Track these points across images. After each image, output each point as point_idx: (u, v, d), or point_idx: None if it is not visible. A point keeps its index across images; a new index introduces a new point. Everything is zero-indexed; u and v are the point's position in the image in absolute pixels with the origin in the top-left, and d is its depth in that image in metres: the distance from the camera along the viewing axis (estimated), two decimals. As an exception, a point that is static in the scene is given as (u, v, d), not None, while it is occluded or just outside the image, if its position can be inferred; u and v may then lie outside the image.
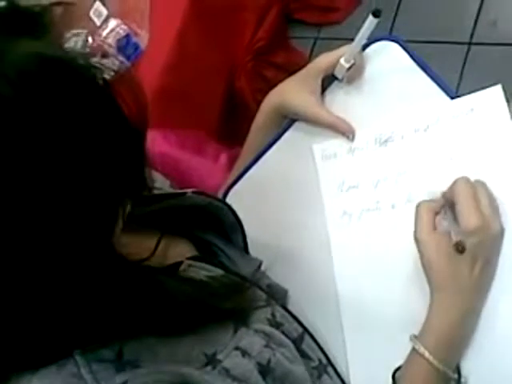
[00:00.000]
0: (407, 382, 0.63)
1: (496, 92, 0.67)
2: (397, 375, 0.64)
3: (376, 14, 0.68)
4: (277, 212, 0.79)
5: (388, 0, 1.80)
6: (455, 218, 0.63)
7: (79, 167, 0.44)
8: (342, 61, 0.73)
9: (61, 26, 0.49)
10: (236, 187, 0.82)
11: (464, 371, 0.63)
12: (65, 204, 0.44)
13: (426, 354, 0.61)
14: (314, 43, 1.85)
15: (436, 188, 0.68)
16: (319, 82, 0.75)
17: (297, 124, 0.78)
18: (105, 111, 0.46)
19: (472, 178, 0.65)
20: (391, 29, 1.73)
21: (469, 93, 0.69)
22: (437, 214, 0.65)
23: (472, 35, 1.66)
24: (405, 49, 0.74)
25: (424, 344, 0.61)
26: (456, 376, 0.62)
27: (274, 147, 0.80)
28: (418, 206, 0.65)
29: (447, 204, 0.65)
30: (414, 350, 0.62)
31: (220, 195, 0.83)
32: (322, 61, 0.75)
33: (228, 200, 0.81)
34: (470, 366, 0.63)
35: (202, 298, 0.56)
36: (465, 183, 0.63)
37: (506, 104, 0.67)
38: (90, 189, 0.45)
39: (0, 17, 0.46)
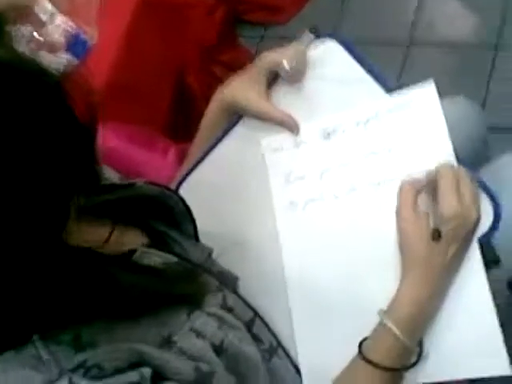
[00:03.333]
0: (372, 353, 0.64)
1: (429, 86, 0.72)
2: (363, 346, 0.66)
3: (312, 31, 0.71)
4: (227, 204, 0.81)
5: (332, 1, 1.86)
6: (435, 200, 0.65)
7: (31, 164, 0.45)
8: (284, 62, 0.75)
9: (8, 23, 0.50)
10: (187, 181, 0.83)
11: (426, 345, 0.66)
12: (17, 199, 0.45)
13: (393, 329, 0.63)
14: (261, 41, 1.87)
15: (378, 178, 0.72)
16: (265, 78, 0.77)
17: (245, 119, 0.80)
18: (55, 110, 0.48)
19: (409, 170, 0.69)
20: (335, 29, 1.77)
21: (406, 88, 0.73)
22: (418, 192, 0.67)
23: (410, 37, 1.74)
24: (345, 46, 0.76)
25: (392, 319, 0.64)
26: (418, 349, 0.65)
27: (224, 141, 0.81)
28: (402, 183, 0.68)
29: (429, 185, 0.66)
30: (381, 324, 0.65)
31: (172, 188, 0.84)
32: (266, 59, 0.77)
33: (180, 193, 0.81)
34: (432, 340, 0.66)
35: (156, 284, 0.58)
36: (449, 168, 0.65)
37: (438, 98, 0.71)
38: (41, 184, 0.46)
39: None
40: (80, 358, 0.51)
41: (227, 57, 1.63)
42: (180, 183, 0.84)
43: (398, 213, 0.67)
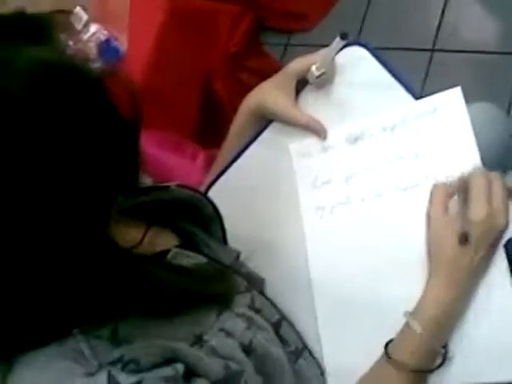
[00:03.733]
0: (398, 354, 0.65)
1: (456, 93, 0.73)
2: (389, 347, 0.67)
3: (343, 37, 0.72)
4: (255, 207, 0.82)
5: (355, 8, 1.86)
6: (466, 204, 0.66)
7: (79, 163, 0.47)
8: (313, 68, 0.76)
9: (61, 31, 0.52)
10: (216, 185, 0.85)
11: (451, 347, 0.66)
12: (65, 198, 0.47)
13: (419, 330, 0.64)
14: (285, 49, 1.89)
15: (404, 184, 0.72)
16: (293, 85, 0.79)
17: (273, 124, 0.81)
18: (102, 111, 0.50)
19: (435, 175, 0.70)
20: (359, 35, 1.78)
21: (432, 94, 0.74)
22: (450, 196, 0.68)
23: (434, 43, 1.74)
24: (373, 53, 0.78)
25: (417, 320, 0.64)
26: (443, 351, 0.65)
27: (252, 146, 0.83)
28: (434, 186, 0.69)
29: (461, 189, 0.67)
30: (407, 325, 0.66)
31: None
32: (295, 66, 0.79)
33: (209, 196, 0.82)
34: (458, 343, 0.66)
35: (188, 284, 0.60)
36: (481, 173, 0.66)
37: (464, 104, 0.72)
38: (89, 183, 0.48)
39: (8, 25, 0.49)
40: (117, 353, 0.53)
41: (253, 63, 1.64)
42: (209, 186, 0.85)
43: (429, 213, 0.68)
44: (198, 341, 0.59)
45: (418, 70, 1.68)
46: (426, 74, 1.69)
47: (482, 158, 0.70)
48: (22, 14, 0.51)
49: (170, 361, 0.55)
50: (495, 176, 0.67)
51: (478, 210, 0.64)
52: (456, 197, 0.68)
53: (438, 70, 1.68)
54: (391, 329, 0.68)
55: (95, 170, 0.49)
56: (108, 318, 0.54)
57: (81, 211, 0.49)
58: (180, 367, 0.55)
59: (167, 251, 0.64)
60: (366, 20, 1.83)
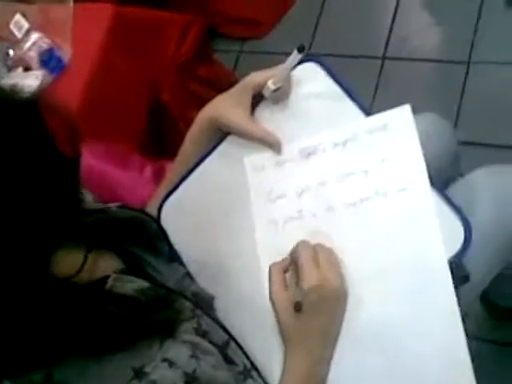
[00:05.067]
0: None
1: (406, 110, 0.74)
2: None
3: (300, 50, 0.73)
4: (210, 222, 0.81)
5: (308, 15, 1.88)
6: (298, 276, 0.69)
7: (11, 195, 0.45)
8: (269, 83, 0.77)
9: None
10: (172, 198, 0.83)
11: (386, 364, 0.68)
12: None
13: None
14: (238, 56, 1.88)
15: (354, 199, 0.73)
16: (250, 98, 0.79)
17: (230, 137, 0.81)
18: (36, 143, 0.48)
19: (384, 191, 0.71)
20: (311, 42, 1.80)
21: (382, 110, 0.75)
22: (286, 272, 0.71)
23: (385, 51, 1.77)
24: (327, 70, 0.79)
25: None
26: None
27: (209, 159, 0.82)
28: (269, 267, 0.72)
29: (293, 261, 0.71)
30: None
31: (151, 206, 0.84)
32: (252, 80, 0.79)
33: (164, 210, 0.82)
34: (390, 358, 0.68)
35: (130, 316, 0.57)
36: (304, 246, 0.71)
37: (413, 121, 0.73)
38: (26, 215, 0.46)
39: None
40: None
41: (203, 72, 1.63)
42: (163, 201, 0.84)
43: (270, 295, 0.71)
44: (138, 375, 0.56)
45: (369, 78, 1.71)
46: (378, 82, 1.71)
47: (430, 169, 0.72)
48: None
49: None
50: (319, 246, 0.71)
51: (306, 278, 0.68)
52: (291, 270, 0.72)
53: (388, 78, 1.71)
54: None
55: (29, 201, 0.46)
56: (41, 362, 0.51)
57: (18, 245, 0.46)
58: None
59: (107, 277, 0.61)
60: (318, 27, 1.85)
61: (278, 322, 0.70)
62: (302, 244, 0.71)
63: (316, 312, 0.68)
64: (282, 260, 0.72)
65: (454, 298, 0.67)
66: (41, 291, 0.49)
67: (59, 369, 0.51)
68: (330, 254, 0.71)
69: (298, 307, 0.67)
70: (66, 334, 0.51)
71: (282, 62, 0.78)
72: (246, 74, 0.81)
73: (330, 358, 0.70)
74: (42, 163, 0.47)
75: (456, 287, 0.68)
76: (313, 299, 0.67)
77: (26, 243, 0.46)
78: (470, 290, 0.79)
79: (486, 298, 1.16)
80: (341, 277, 0.70)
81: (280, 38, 1.84)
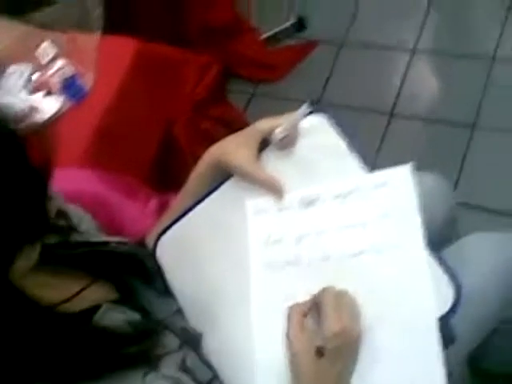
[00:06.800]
0: None
1: (406, 170, 0.76)
2: None
3: (312, 103, 0.76)
4: (206, 260, 0.82)
5: (322, 65, 1.92)
6: (321, 321, 0.69)
7: None
8: (277, 131, 0.79)
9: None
10: (170, 232, 0.84)
11: None
12: None
13: None
14: (250, 98, 1.92)
15: (351, 251, 0.75)
16: (257, 143, 0.81)
17: (234, 179, 0.82)
18: (10, 158, 0.49)
19: (380, 246, 0.73)
20: (323, 92, 1.83)
21: (385, 165, 0.77)
22: (305, 315, 0.71)
23: (393, 108, 1.81)
24: (335, 124, 0.81)
25: None
26: None
27: (211, 197, 0.83)
28: (291, 308, 0.72)
29: (315, 306, 0.71)
30: None
31: (150, 239, 0.86)
32: (262, 126, 0.81)
33: (161, 243, 0.83)
34: None
35: (111, 346, 0.58)
36: (330, 292, 0.71)
37: (413, 181, 0.75)
38: None
39: None
40: None
41: (216, 112, 1.66)
42: (161, 235, 0.85)
43: (287, 334, 0.70)
44: None
45: (375, 132, 1.74)
46: (383, 137, 1.75)
47: (426, 227, 0.73)
48: None
49: None
50: (343, 293, 0.71)
51: (328, 325, 0.67)
52: (311, 314, 0.71)
53: (394, 134, 1.75)
54: None
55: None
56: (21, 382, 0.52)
57: None
58: None
59: (99, 306, 0.62)
60: (331, 78, 1.89)
61: (295, 363, 0.69)
62: (327, 289, 0.71)
63: (336, 358, 0.68)
64: (303, 302, 0.72)
65: (440, 356, 0.68)
66: (11, 312, 0.50)
67: None
68: (353, 301, 0.71)
69: (320, 352, 0.67)
70: (40, 360, 0.52)
71: (293, 107, 0.80)
72: (257, 115, 0.84)
73: None
74: (12, 171, 0.49)
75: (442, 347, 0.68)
76: (335, 345, 0.67)
77: None
78: (456, 352, 0.80)
79: (471, 359, 1.17)
80: (358, 325, 0.70)
81: (293, 84, 1.88)
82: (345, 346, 0.68)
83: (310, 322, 0.71)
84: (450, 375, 0.68)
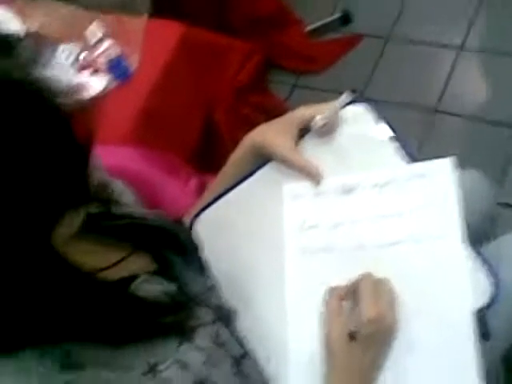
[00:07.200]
0: None
1: (448, 162, 0.75)
2: None
3: (353, 92, 0.76)
4: (241, 241, 0.83)
5: (366, 59, 1.90)
6: (357, 306, 0.70)
7: (22, 174, 0.47)
8: (317, 118, 0.79)
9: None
10: (207, 212, 0.86)
11: None
12: (6, 210, 0.47)
13: None
14: (292, 89, 1.91)
15: (385, 241, 0.74)
16: (296, 130, 0.81)
17: (272, 163, 0.83)
18: (55, 129, 0.50)
19: (415, 237, 0.73)
20: (366, 86, 1.82)
21: (425, 159, 0.76)
22: (342, 299, 0.72)
23: (438, 104, 1.78)
24: (376, 113, 0.80)
25: None
26: None
27: (247, 181, 0.84)
28: (326, 291, 0.73)
29: (352, 291, 0.72)
30: None
31: (189, 217, 0.87)
32: (302, 113, 0.81)
33: (198, 223, 0.84)
34: None
35: (147, 315, 0.60)
36: (369, 278, 0.71)
37: (454, 174, 0.74)
38: (29, 194, 0.48)
39: None
40: (64, 378, 0.53)
41: (256, 99, 1.67)
42: (198, 214, 0.86)
43: (323, 316, 0.71)
44: (152, 370, 0.58)
45: (418, 128, 1.71)
46: (426, 133, 1.72)
47: (465, 223, 0.72)
48: None
49: None
50: (382, 280, 0.71)
51: (364, 310, 0.68)
52: (348, 299, 0.72)
53: (438, 130, 1.72)
54: None
55: (39, 183, 0.49)
56: (62, 338, 0.54)
57: (22, 221, 0.48)
58: None
59: (135, 276, 0.64)
60: (374, 72, 1.87)
61: (328, 346, 0.70)
62: (366, 275, 0.71)
63: (369, 344, 0.68)
64: (341, 286, 0.73)
65: (476, 350, 0.67)
66: (54, 275, 0.52)
67: (76, 351, 0.54)
68: (391, 290, 0.71)
69: (353, 336, 0.67)
70: (83, 319, 0.54)
71: (334, 100, 0.80)
72: (298, 107, 0.84)
73: None
74: (56, 143, 0.50)
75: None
76: (369, 331, 0.67)
77: (28, 212, 0.48)
78: (491, 348, 0.78)
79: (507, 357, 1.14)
80: (394, 317, 0.70)
81: (336, 77, 1.87)
82: (378, 333, 0.68)
83: (346, 306, 0.71)
84: (485, 372, 0.67)
